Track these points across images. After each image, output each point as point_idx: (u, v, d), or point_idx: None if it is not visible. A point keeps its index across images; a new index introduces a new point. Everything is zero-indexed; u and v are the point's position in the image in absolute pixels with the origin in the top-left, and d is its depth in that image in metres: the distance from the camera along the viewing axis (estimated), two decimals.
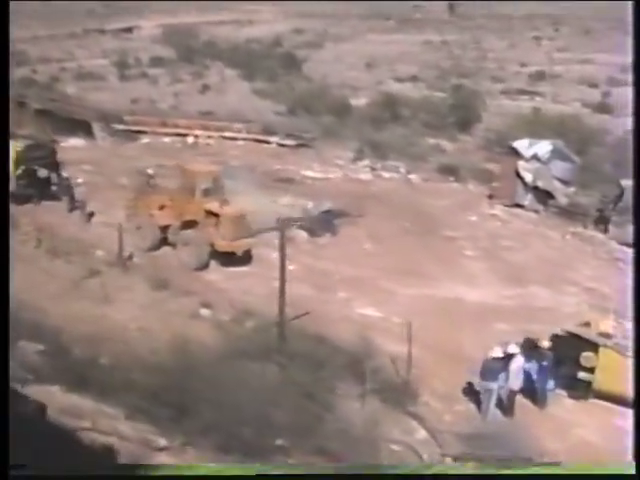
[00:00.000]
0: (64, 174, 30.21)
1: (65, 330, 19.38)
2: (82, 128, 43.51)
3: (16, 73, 74.20)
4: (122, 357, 17.94)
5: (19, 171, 29.53)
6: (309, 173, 38.92)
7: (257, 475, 10.40)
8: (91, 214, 29.04)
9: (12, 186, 29.26)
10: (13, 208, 29.71)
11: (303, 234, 28.67)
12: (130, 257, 24.93)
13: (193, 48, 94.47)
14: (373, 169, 41.48)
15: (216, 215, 24.83)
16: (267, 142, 44.45)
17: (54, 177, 30.08)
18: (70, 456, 11.76)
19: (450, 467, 14.59)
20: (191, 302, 22.15)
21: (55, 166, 30.22)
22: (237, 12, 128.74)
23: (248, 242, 25.11)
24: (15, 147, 29.66)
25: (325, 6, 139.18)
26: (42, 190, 30.13)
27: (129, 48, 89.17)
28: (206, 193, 25.39)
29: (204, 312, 21.43)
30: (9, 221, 13.25)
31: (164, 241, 26.30)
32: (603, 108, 67.60)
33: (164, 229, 26.05)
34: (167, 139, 45.06)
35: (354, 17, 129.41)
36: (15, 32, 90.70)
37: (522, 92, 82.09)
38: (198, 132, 45.46)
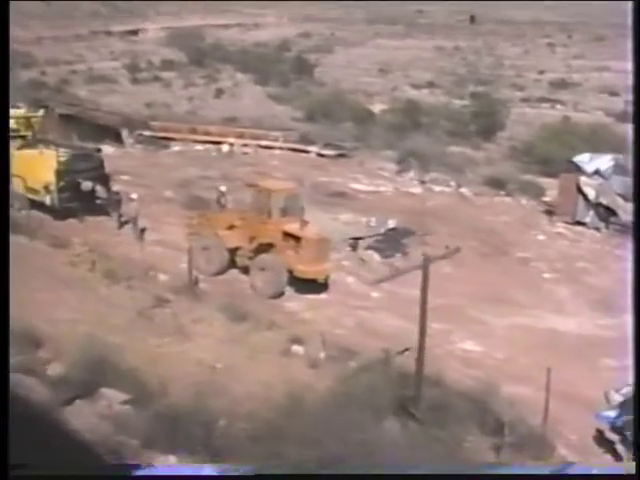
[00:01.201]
0: (114, 188, 27.41)
1: (145, 372, 16.85)
2: (109, 134, 40.87)
3: (24, 75, 71.86)
4: (220, 406, 15.42)
5: (62, 183, 26.86)
6: (358, 186, 36.48)
7: (257, 475, 9.74)
8: (142, 231, 26.40)
9: (53, 200, 26.73)
10: (54, 223, 27.51)
11: (376, 256, 26.19)
12: (196, 282, 22.29)
13: (203, 51, 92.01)
14: (422, 182, 39.08)
15: (296, 238, 22.25)
16: (305, 151, 41.91)
17: (100, 190, 27.43)
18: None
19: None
20: (278, 336, 19.61)
21: (104, 179, 27.54)
22: (241, 15, 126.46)
23: (329, 267, 22.61)
24: (57, 157, 27.07)
25: (329, 10, 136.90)
26: (86, 204, 27.47)
27: (138, 51, 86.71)
28: (283, 213, 22.80)
29: (296, 349, 18.90)
30: (9, 221, 12.45)
31: (232, 264, 23.70)
32: (627, 117, 65.95)
33: (233, 251, 23.45)
34: (199, 147, 42.48)
35: (360, 21, 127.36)
36: (18, 33, 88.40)
37: (543, 100, 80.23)
38: (232, 140, 42.90)
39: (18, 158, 28.46)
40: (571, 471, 10.02)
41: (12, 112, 29.82)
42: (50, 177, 27.01)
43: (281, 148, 42.16)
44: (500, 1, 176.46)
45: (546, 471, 10.41)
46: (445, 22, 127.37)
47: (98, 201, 28.01)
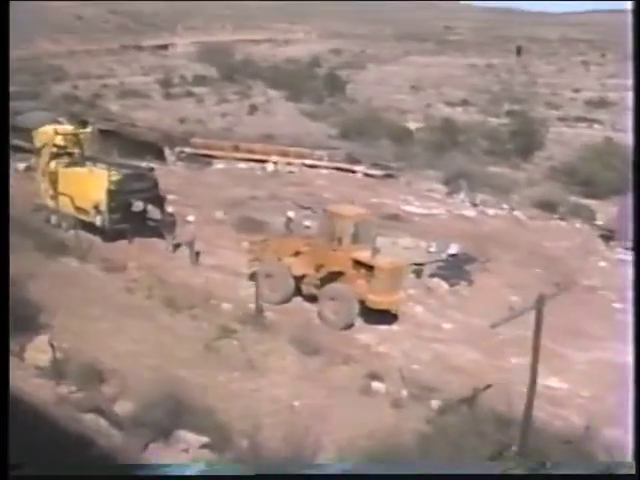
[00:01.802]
0: (169, 209, 26.21)
1: (219, 410, 15.65)
2: (151, 151, 39.86)
3: (56, 89, 71.30)
4: (306, 449, 14.16)
5: (113, 203, 25.77)
6: (410, 208, 35.21)
7: (257, 475, 9.97)
8: (197, 255, 25.23)
9: (104, 220, 25.63)
10: (103, 245, 26.38)
11: (443, 284, 24.88)
12: (261, 311, 21.07)
13: (234, 67, 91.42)
14: (474, 204, 37.77)
15: (367, 266, 20.97)
16: (352, 171, 40.69)
17: (154, 212, 26.32)
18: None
19: None
20: (355, 372, 18.39)
21: (158, 200, 26.39)
22: (270, 31, 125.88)
23: (402, 298, 21.33)
24: (109, 176, 25.96)
25: (358, 27, 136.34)
26: (137, 225, 26.36)
27: (169, 65, 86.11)
28: (354, 239, 21.53)
29: (376, 386, 17.61)
30: (8, 221, 12.61)
31: (296, 292, 22.45)
32: None
33: (298, 279, 22.19)
34: (243, 165, 41.40)
35: (389, 38, 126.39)
36: (48, 46, 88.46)
37: (580, 119, 78.87)
38: (276, 158, 41.80)
39: (66, 176, 27.50)
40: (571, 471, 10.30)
41: (60, 128, 28.86)
42: (101, 197, 25.92)
43: (326, 167, 40.95)
44: (528, 18, 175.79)
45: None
46: (476, 39, 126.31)
47: (149, 222, 26.91)
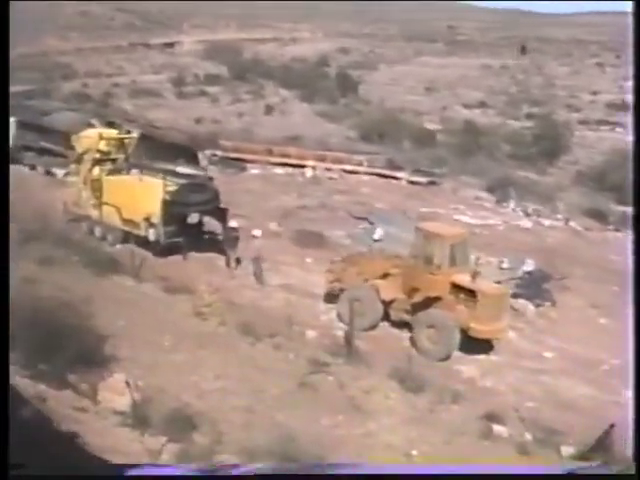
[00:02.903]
0: (233, 223, 23.88)
1: (329, 459, 13.53)
2: (183, 154, 37.55)
3: (66, 87, 68.97)
4: None
5: (168, 216, 23.63)
6: (464, 218, 33.11)
7: (256, 475, 9.06)
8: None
9: (159, 234, 23.50)
10: (154, 261, 24.15)
11: (530, 306, 22.86)
12: (350, 340, 18.99)
13: (244, 66, 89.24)
14: (527, 214, 35.80)
15: (468, 291, 18.89)
16: (394, 178, 38.61)
17: (210, 223, 24.16)
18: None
19: None
20: (468, 411, 16.36)
21: (220, 213, 24.13)
22: (275, 30, 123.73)
23: (506, 325, 19.30)
24: (165, 186, 23.79)
25: (363, 26, 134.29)
26: (193, 239, 24.21)
27: (178, 64, 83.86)
28: (451, 261, 19.44)
29: (498, 430, 15.54)
30: (8, 221, 11.47)
31: (384, 318, 20.37)
32: None
33: (387, 304, 20.09)
34: (279, 170, 39.27)
35: (396, 38, 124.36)
36: (55, 44, 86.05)
37: (602, 122, 77.08)
38: (312, 163, 39.72)
39: (111, 185, 25.40)
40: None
41: (104, 132, 26.74)
42: (154, 208, 23.75)
43: (368, 173, 38.86)
44: (532, 19, 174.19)
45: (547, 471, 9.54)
46: (484, 40, 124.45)
47: (205, 236, 24.79)
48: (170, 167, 28.94)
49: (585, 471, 10.80)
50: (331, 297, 21.79)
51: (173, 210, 23.61)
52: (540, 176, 52.75)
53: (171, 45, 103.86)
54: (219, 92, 75.61)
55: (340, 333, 19.93)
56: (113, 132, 27.11)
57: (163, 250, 23.95)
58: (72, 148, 34.94)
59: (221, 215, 23.96)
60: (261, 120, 64.71)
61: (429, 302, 19.30)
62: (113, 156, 26.73)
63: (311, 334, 19.41)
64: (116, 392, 15.22)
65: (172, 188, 23.77)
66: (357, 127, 66.37)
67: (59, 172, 33.32)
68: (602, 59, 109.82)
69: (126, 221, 24.63)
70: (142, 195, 24.21)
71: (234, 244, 23.31)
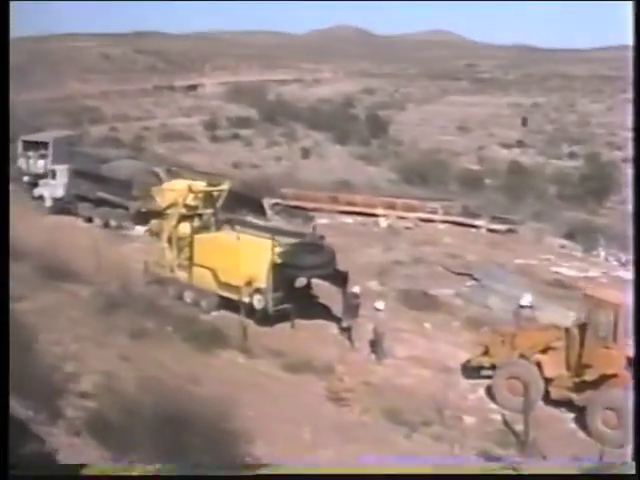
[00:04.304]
0: (354, 289, 21.04)
1: None
2: (248, 204, 34.97)
3: (94, 131, 66.79)
4: None
5: (275, 280, 20.94)
6: (563, 270, 30.40)
7: (256, 475, 10.10)
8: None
9: (266, 301, 20.79)
10: (259, 331, 21.37)
11: None
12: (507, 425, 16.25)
13: (272, 108, 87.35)
14: (621, 263, 33.05)
15: None
16: (473, 226, 35.98)
17: (321, 286, 21.46)
18: None
19: None
20: None
21: (339, 277, 21.20)
22: (297, 70, 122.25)
23: None
24: (273, 246, 21.12)
25: (382, 65, 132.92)
26: (300, 305, 21.47)
27: (207, 107, 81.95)
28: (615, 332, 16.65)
29: None
30: (8, 220, 11.99)
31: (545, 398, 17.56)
32: None
33: (548, 381, 17.30)
34: (348, 219, 36.70)
35: (419, 77, 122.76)
36: (78, 87, 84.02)
37: None
38: (381, 211, 37.18)
39: (203, 244, 22.76)
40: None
41: (193, 185, 24.17)
42: (260, 272, 21.00)
43: (444, 222, 36.25)
44: (546, 55, 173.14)
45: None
46: (507, 77, 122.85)
47: (314, 300, 22.09)
48: (259, 222, 26.30)
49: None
50: (469, 371, 19.06)
51: (283, 274, 20.86)
52: (591, 216, 50.45)
53: (194, 88, 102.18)
54: (252, 135, 73.51)
55: (497, 417, 17.18)
56: (201, 184, 24.47)
57: (269, 318, 21.19)
58: (134, 199, 32.68)
59: (340, 279, 21.08)
60: (299, 164, 62.47)
61: (602, 380, 16.51)
62: (200, 211, 24.14)
63: (469, 420, 16.62)
64: None
65: (282, 249, 21.04)
66: (396, 169, 64.31)
67: (138, 229, 30.75)
68: (630, 95, 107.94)
69: (223, 285, 21.91)
70: (244, 256, 21.51)
71: (355, 313, 20.42)
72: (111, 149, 43.81)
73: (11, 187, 39.82)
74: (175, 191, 23.69)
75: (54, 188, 35.85)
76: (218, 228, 24.04)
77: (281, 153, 67.49)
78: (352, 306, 20.34)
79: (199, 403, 14.84)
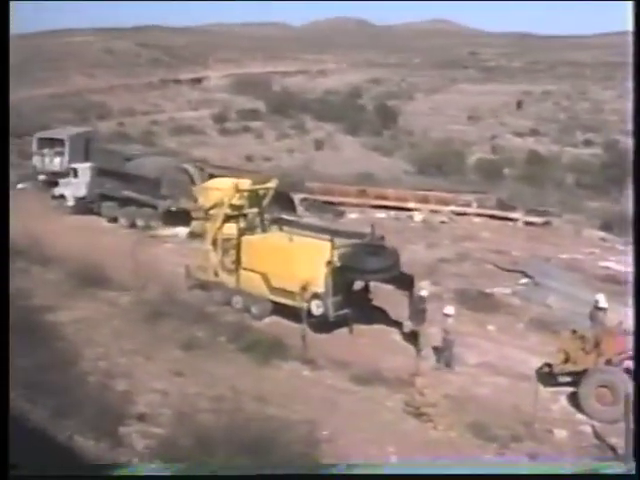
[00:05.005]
0: (422, 292, 19.84)
1: None
2: (278, 200, 33.75)
3: (101, 126, 65.46)
4: None
5: (335, 285, 19.75)
6: (611, 265, 29.23)
7: (257, 475, 9.67)
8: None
9: (326, 307, 19.62)
10: (315, 337, 20.13)
11: None
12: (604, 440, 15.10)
13: (280, 100, 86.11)
14: None
15: None
16: (509, 219, 34.84)
17: (380, 289, 20.26)
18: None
19: None
20: None
21: (405, 281, 19.88)
22: (300, 62, 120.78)
23: None
24: (333, 248, 19.91)
25: (387, 55, 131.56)
26: (359, 309, 20.30)
27: (214, 99, 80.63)
28: None
29: None
30: (9, 219, 11.53)
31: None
32: None
33: None
34: (381, 214, 35.51)
35: (425, 66, 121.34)
36: (83, 82, 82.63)
37: None
38: (413, 204, 36.04)
39: (252, 246, 21.54)
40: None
41: (240, 183, 22.93)
42: (318, 275, 19.80)
43: (480, 215, 35.09)
44: (548, 42, 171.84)
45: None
46: (512, 65, 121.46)
47: (372, 303, 20.91)
48: (310, 222, 25.09)
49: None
50: (546, 378, 17.91)
51: (343, 277, 19.66)
52: (614, 205, 49.29)
53: (199, 81, 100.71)
54: (262, 127, 72.26)
55: (587, 429, 16.06)
56: (247, 182, 23.21)
57: (327, 324, 20.00)
58: (163, 197, 31.43)
59: (406, 283, 19.79)
60: (314, 156, 61.32)
61: None
62: (245, 211, 22.94)
63: (561, 434, 15.48)
64: None
65: (342, 251, 19.81)
66: (411, 160, 63.24)
67: (181, 231, 29.49)
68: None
69: (276, 290, 20.70)
70: (299, 259, 20.29)
71: (422, 317, 19.21)
72: (135, 145, 42.41)
73: (27, 186, 39.01)
74: (221, 190, 22.42)
75: (76, 187, 34.49)
76: (264, 229, 22.80)
77: (293, 145, 66.31)
78: (419, 310, 19.12)
79: (276, 426, 13.69)
